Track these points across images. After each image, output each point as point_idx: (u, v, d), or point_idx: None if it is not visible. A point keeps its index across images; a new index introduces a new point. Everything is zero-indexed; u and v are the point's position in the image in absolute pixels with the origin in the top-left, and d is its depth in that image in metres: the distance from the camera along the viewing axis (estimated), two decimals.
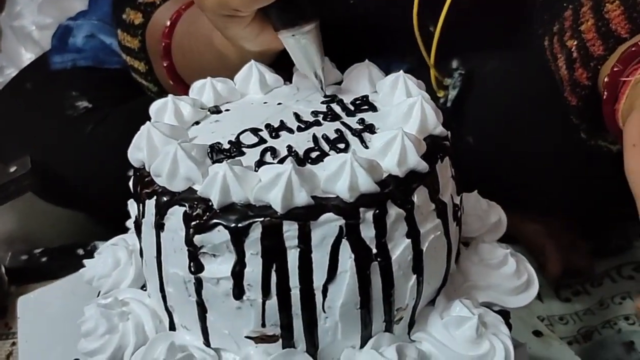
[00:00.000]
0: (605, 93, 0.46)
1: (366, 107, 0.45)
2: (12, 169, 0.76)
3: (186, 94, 0.61)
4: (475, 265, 0.46)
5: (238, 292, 0.38)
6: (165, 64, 0.64)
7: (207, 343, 0.41)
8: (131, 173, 0.45)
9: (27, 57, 1.10)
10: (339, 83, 0.49)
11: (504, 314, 0.45)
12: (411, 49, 0.74)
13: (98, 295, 0.48)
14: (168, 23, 0.63)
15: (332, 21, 0.72)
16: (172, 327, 0.43)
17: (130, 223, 0.51)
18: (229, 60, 0.55)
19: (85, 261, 0.50)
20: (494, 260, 0.45)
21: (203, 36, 0.58)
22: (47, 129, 0.78)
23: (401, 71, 0.45)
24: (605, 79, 0.46)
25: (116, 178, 0.64)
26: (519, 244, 0.79)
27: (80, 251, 0.81)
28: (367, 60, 0.48)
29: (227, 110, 0.47)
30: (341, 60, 0.76)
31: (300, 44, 0.45)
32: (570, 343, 0.70)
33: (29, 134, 0.80)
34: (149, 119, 0.46)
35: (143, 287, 0.47)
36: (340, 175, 0.37)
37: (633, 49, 0.45)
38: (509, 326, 0.44)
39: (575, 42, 0.49)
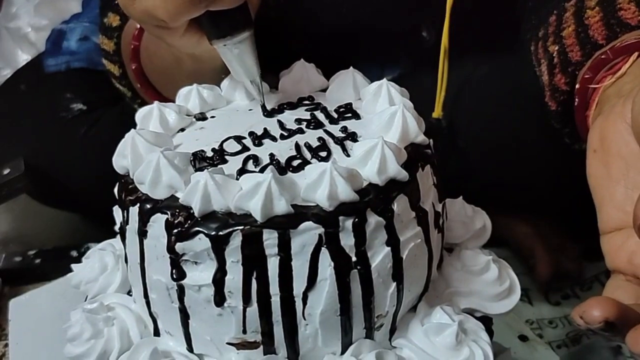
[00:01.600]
0: (577, 99, 0.47)
1: (349, 114, 0.45)
2: (6, 172, 0.76)
3: (155, 98, 0.61)
4: (457, 271, 0.46)
5: (219, 299, 0.38)
6: (133, 67, 0.63)
7: (190, 349, 0.41)
8: None
9: (24, 58, 1.10)
10: (324, 90, 0.49)
11: (486, 320, 0.46)
12: (404, 53, 0.75)
13: (85, 300, 0.48)
14: (138, 25, 0.62)
15: (325, 28, 0.73)
16: (157, 332, 0.43)
17: (117, 227, 0.51)
18: (184, 64, 0.56)
19: (73, 266, 0.51)
20: (476, 266, 0.46)
21: (160, 46, 0.58)
22: (40, 130, 0.79)
23: (384, 79, 0.46)
24: (577, 86, 0.47)
25: (109, 180, 0.65)
26: (509, 247, 0.80)
27: (74, 253, 0.82)
28: (351, 68, 0.48)
29: (213, 117, 0.47)
30: (335, 65, 0.77)
31: (233, 53, 0.46)
32: (559, 347, 0.70)
33: (23, 136, 0.80)
34: None
35: (129, 292, 0.47)
36: (320, 184, 0.37)
37: (603, 56, 0.45)
38: (491, 332, 0.44)
39: (556, 48, 0.49)
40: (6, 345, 0.71)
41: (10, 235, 0.88)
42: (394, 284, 0.40)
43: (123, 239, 0.44)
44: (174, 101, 0.58)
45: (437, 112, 0.69)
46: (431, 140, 0.44)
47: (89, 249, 0.80)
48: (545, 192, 0.73)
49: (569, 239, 0.80)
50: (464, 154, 0.72)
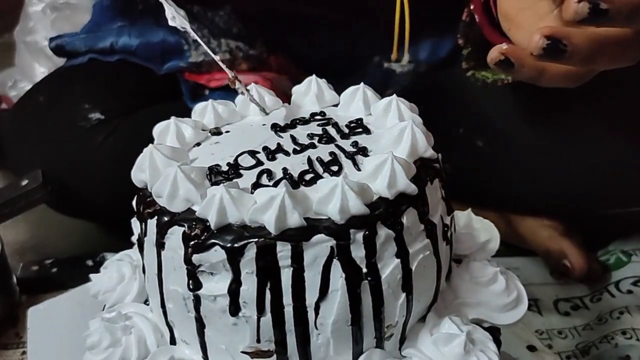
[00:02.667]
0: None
1: (360, 129, 0.46)
2: (24, 183, 0.78)
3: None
4: (466, 282, 0.47)
5: (234, 309, 0.40)
6: None
7: (205, 357, 0.43)
8: None
9: (41, 71, 1.13)
10: (336, 105, 0.51)
11: (494, 330, 0.46)
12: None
13: (103, 309, 0.50)
14: None
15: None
16: (173, 341, 0.45)
17: (135, 239, 0.53)
18: None
19: (91, 275, 0.52)
20: (484, 278, 0.47)
21: None
22: (58, 142, 0.80)
23: (394, 95, 0.47)
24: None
25: (125, 189, 0.66)
26: (535, 254, 0.81)
27: (90, 262, 0.83)
28: (362, 83, 0.50)
29: (227, 132, 0.49)
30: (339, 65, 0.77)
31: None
32: (569, 357, 0.71)
33: (40, 148, 0.82)
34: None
35: (146, 301, 0.48)
36: (332, 198, 0.38)
37: None
38: (498, 342, 0.45)
39: None
40: (24, 352, 0.73)
41: (28, 245, 0.89)
42: (404, 294, 0.41)
43: (141, 250, 0.45)
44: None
45: (394, 54, 0.70)
46: (440, 155, 0.45)
47: (104, 257, 0.83)
48: (561, 192, 0.74)
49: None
50: (483, 155, 0.73)
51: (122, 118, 0.78)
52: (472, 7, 0.56)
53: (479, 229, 0.51)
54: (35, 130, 0.83)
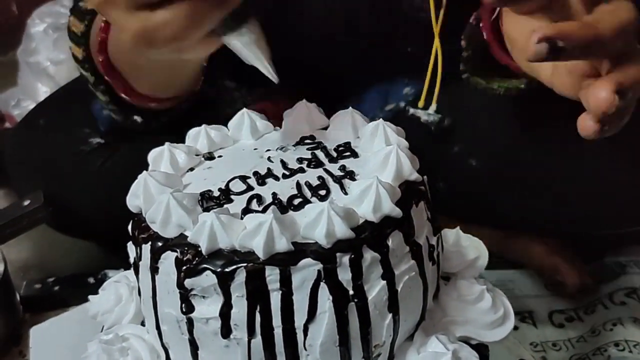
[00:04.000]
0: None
1: (348, 153, 0.48)
2: (26, 203, 0.79)
3: (122, 89, 0.62)
4: (453, 300, 0.48)
5: (226, 331, 0.41)
6: (100, 59, 0.62)
7: None
8: None
9: (43, 90, 1.15)
10: (325, 128, 0.52)
11: (482, 347, 0.48)
12: (411, 75, 0.77)
13: (102, 330, 0.51)
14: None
15: (329, 48, 0.75)
16: None
17: (132, 262, 0.54)
18: (162, 64, 0.56)
19: (90, 297, 0.53)
20: (471, 296, 0.48)
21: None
22: (59, 163, 0.82)
23: (380, 119, 0.48)
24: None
25: (123, 210, 0.68)
26: (529, 268, 0.82)
27: (91, 279, 0.85)
28: (350, 108, 0.51)
29: (220, 156, 0.50)
30: (339, 86, 0.79)
31: (243, 42, 0.45)
32: None
33: (42, 169, 0.83)
34: None
35: (143, 322, 0.50)
36: (318, 223, 0.40)
37: None
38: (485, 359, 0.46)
39: None
40: None
41: (30, 263, 0.91)
42: (390, 315, 0.42)
43: (136, 274, 0.46)
44: (142, 93, 0.60)
45: (421, 101, 0.71)
46: (425, 177, 0.46)
47: (105, 275, 0.85)
48: (555, 209, 0.75)
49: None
50: (476, 173, 0.74)
51: (121, 142, 0.79)
52: (481, 25, 0.57)
53: (467, 247, 0.52)
54: (36, 152, 0.84)
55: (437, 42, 0.67)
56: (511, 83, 0.61)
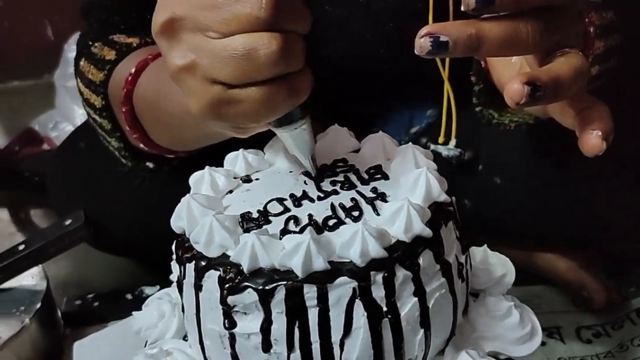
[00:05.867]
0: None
1: (379, 175, 0.50)
2: (67, 222, 0.83)
3: (142, 140, 0.63)
4: (482, 316, 0.50)
5: (266, 346, 0.43)
6: (124, 109, 0.63)
7: None
8: None
9: (80, 112, 1.19)
10: (357, 151, 0.55)
11: None
12: (434, 98, 0.80)
13: (145, 345, 0.54)
14: (132, 70, 0.62)
15: (350, 73, 0.78)
16: None
17: (173, 277, 0.57)
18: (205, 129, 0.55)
19: (134, 313, 0.56)
20: (499, 312, 0.50)
21: (173, 100, 0.56)
22: (98, 184, 0.85)
23: (410, 143, 0.51)
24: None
25: (161, 228, 0.70)
26: (556, 284, 0.83)
27: (129, 296, 0.88)
28: (381, 132, 0.54)
29: (257, 179, 0.53)
30: (365, 109, 0.81)
31: (292, 135, 0.48)
32: None
33: (83, 190, 0.87)
34: (190, 174, 0.52)
35: (185, 337, 0.52)
36: (353, 243, 0.42)
37: None
38: None
39: None
40: None
41: (70, 280, 0.95)
42: (422, 330, 0.44)
43: (180, 291, 0.49)
44: (163, 146, 0.61)
45: (441, 137, 0.73)
46: (453, 198, 0.48)
47: (142, 291, 0.88)
48: (584, 225, 0.76)
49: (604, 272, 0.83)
50: (501, 191, 0.76)
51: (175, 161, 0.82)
52: (482, 64, 0.59)
53: (495, 264, 0.54)
54: (77, 173, 0.87)
55: (447, 86, 0.69)
56: (522, 117, 0.62)
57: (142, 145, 0.66)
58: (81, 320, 0.86)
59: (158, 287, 0.83)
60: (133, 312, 0.56)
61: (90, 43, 0.70)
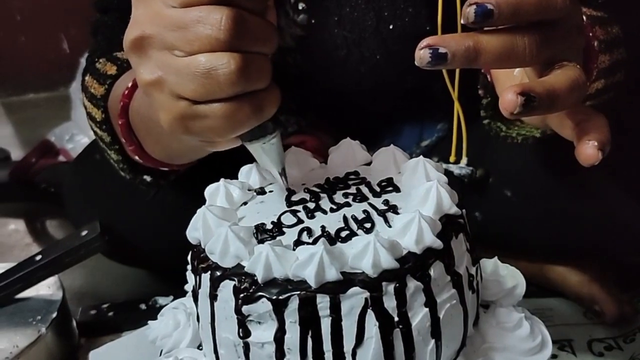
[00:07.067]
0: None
1: (390, 188, 0.51)
2: (84, 233, 0.84)
3: (137, 153, 0.64)
4: (492, 327, 0.51)
5: (280, 355, 0.44)
6: (120, 122, 0.64)
7: None
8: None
9: None
10: (369, 164, 0.56)
11: None
12: (444, 112, 0.81)
13: (160, 354, 0.55)
14: (130, 84, 0.64)
15: (356, 91, 0.80)
16: None
17: (188, 287, 0.58)
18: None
19: (150, 322, 0.57)
20: (510, 323, 0.50)
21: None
22: (114, 195, 0.87)
23: (421, 156, 0.51)
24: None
25: (175, 239, 0.72)
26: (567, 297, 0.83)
27: (143, 306, 0.89)
28: (392, 145, 0.55)
29: (271, 191, 0.54)
30: (375, 124, 0.82)
31: (264, 149, 0.49)
32: None
33: (99, 201, 0.88)
34: (203, 186, 0.53)
35: (199, 346, 0.53)
36: (365, 254, 0.43)
37: None
38: None
39: None
40: None
41: (85, 290, 0.96)
42: (433, 341, 0.45)
43: (195, 301, 0.50)
44: (156, 158, 0.63)
45: (452, 157, 0.74)
46: (464, 211, 0.49)
47: (155, 302, 0.89)
48: (592, 242, 0.76)
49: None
50: (511, 204, 0.76)
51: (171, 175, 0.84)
52: (488, 77, 0.60)
53: (505, 276, 0.55)
54: (93, 185, 0.89)
55: (457, 106, 0.70)
56: (529, 131, 0.63)
57: (137, 158, 0.67)
58: (96, 329, 0.87)
59: (172, 297, 0.84)
60: (149, 322, 0.57)
61: (96, 60, 0.72)
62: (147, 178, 0.72)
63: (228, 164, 0.57)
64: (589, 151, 0.43)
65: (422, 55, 0.40)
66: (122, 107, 0.65)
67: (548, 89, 0.40)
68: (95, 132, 0.72)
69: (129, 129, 0.65)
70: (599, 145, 0.43)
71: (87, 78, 0.72)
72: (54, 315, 0.79)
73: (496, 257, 0.56)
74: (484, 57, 0.40)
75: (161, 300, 0.88)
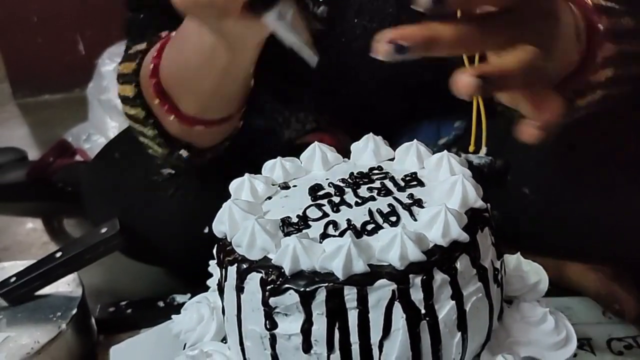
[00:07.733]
0: None
1: (415, 182, 0.51)
2: (103, 230, 0.84)
3: (173, 112, 0.66)
4: (517, 322, 0.51)
5: (306, 347, 0.44)
6: (153, 82, 0.66)
7: None
8: (207, 231, 0.53)
9: (112, 124, 1.23)
10: (392, 159, 0.56)
11: None
12: (461, 111, 0.81)
13: (184, 348, 0.55)
14: (158, 45, 0.67)
15: (376, 87, 0.80)
16: None
17: (210, 282, 0.58)
18: (218, 61, 0.60)
19: (173, 316, 0.58)
20: (534, 317, 0.50)
21: (190, 43, 0.62)
22: (133, 193, 0.87)
23: (445, 151, 0.52)
24: None
25: (193, 237, 0.72)
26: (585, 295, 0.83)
27: (161, 303, 0.89)
28: (415, 140, 0.55)
29: (295, 186, 0.54)
30: (393, 122, 0.82)
31: (287, 20, 0.49)
32: None
33: (118, 198, 0.89)
34: (221, 185, 0.54)
35: (223, 339, 0.54)
36: (392, 247, 0.43)
37: None
38: None
39: None
40: None
41: (103, 287, 0.96)
42: (459, 333, 0.45)
43: (221, 294, 0.50)
44: (192, 115, 0.64)
45: (472, 146, 0.74)
46: (489, 205, 0.49)
47: (173, 299, 0.89)
48: (609, 236, 0.76)
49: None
50: (529, 202, 0.76)
51: (191, 172, 0.84)
52: None
53: (528, 271, 0.55)
54: (111, 183, 0.90)
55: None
56: None
57: (173, 117, 0.68)
58: (114, 326, 0.87)
59: (189, 295, 0.85)
60: (172, 316, 0.58)
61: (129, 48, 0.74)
62: (184, 153, 0.73)
63: (248, 163, 0.57)
64: (528, 129, 0.46)
65: (386, 49, 0.42)
66: (152, 69, 0.66)
67: (499, 69, 0.42)
68: (129, 117, 0.73)
69: (161, 89, 0.67)
70: (542, 125, 0.45)
71: (119, 67, 0.74)
72: (74, 311, 0.79)
73: (519, 253, 0.56)
74: (441, 45, 0.42)
75: (179, 298, 0.88)
